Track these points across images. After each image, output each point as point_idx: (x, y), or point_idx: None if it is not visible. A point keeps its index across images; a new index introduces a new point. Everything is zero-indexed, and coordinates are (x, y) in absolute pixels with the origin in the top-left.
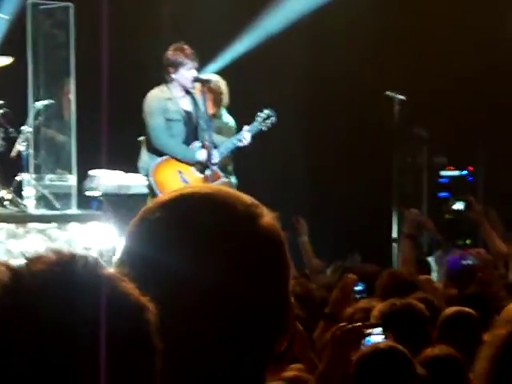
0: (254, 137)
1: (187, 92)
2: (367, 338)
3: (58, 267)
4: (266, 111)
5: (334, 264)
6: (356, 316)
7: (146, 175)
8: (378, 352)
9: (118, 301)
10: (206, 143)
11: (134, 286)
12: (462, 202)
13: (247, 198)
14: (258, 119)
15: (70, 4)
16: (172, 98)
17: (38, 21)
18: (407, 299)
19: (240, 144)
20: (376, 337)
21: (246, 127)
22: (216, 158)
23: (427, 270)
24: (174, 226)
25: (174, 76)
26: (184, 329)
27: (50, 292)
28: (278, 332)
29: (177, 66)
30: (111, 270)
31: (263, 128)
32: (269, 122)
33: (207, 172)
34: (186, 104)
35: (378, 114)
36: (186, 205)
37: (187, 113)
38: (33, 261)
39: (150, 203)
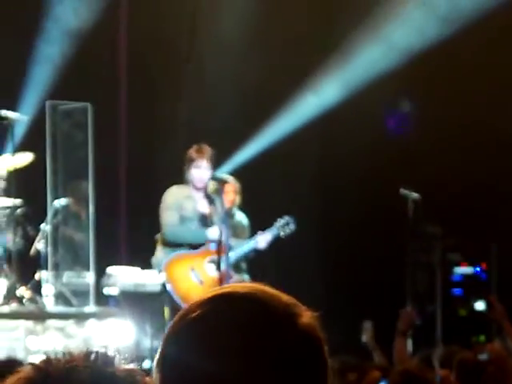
0: (270, 242)
1: (206, 194)
2: None
3: (80, 364)
4: (286, 218)
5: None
6: None
7: (160, 271)
8: None
9: None
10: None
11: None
12: (482, 301)
13: (286, 297)
14: (277, 225)
15: (87, 104)
16: (190, 196)
17: (57, 121)
18: None
19: (255, 247)
20: None
21: (262, 232)
22: (231, 258)
23: (430, 366)
24: (212, 327)
25: (188, 175)
26: None
27: None
28: None
29: (190, 164)
30: (130, 366)
31: (281, 234)
32: (287, 228)
33: (217, 271)
34: (204, 206)
35: (392, 212)
36: (224, 305)
37: (203, 215)
38: (56, 359)
39: (191, 303)
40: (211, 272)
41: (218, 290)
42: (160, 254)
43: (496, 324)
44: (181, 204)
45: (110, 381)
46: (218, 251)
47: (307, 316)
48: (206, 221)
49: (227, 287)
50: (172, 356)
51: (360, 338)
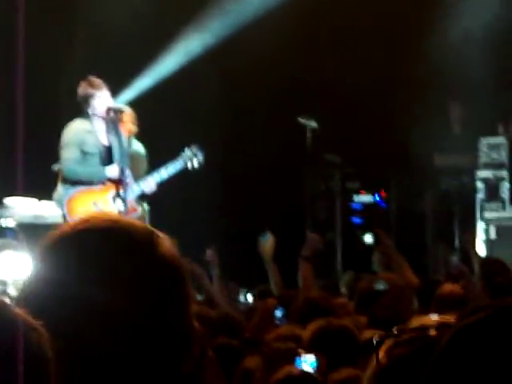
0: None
1: (110, 124)
2: (298, 360)
3: None
4: (194, 148)
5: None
6: (278, 342)
7: (61, 206)
8: (291, 378)
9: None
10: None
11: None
12: (371, 235)
13: (145, 227)
14: (184, 156)
15: None
16: (92, 131)
17: None
18: (342, 321)
19: (158, 180)
20: (307, 358)
21: (167, 166)
22: (134, 192)
23: (336, 293)
24: (74, 257)
25: (89, 110)
26: (84, 345)
27: None
28: (178, 351)
29: (87, 99)
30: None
31: (189, 166)
32: (196, 160)
33: (123, 206)
34: (106, 138)
35: (290, 141)
36: (86, 238)
37: (105, 147)
38: None
39: (54, 233)
40: (115, 206)
41: (79, 224)
42: (60, 189)
43: (385, 257)
44: (82, 139)
45: None
46: (119, 186)
47: (167, 245)
48: (109, 153)
49: (87, 220)
50: (40, 279)
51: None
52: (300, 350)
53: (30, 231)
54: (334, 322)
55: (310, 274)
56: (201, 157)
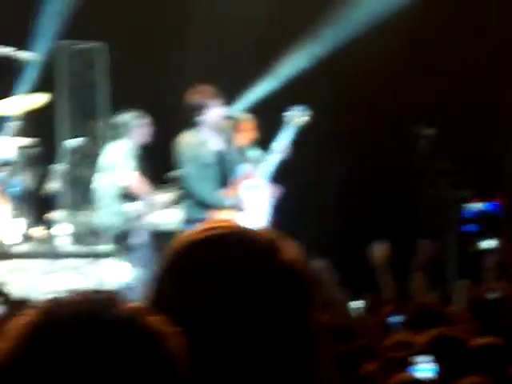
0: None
1: (217, 131)
2: (413, 367)
3: (84, 306)
4: (297, 108)
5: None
6: (393, 349)
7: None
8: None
9: (140, 332)
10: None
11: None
12: (491, 241)
13: (267, 234)
14: (288, 119)
15: (101, 44)
16: (203, 142)
17: (70, 61)
18: (456, 330)
19: (275, 157)
20: (424, 365)
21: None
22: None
23: (448, 300)
24: (198, 264)
25: (201, 119)
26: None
27: (76, 332)
28: (304, 364)
29: (201, 108)
30: (137, 304)
31: (297, 125)
32: (301, 117)
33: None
34: (215, 144)
35: (402, 148)
36: (209, 244)
37: (218, 153)
38: (61, 301)
39: (177, 242)
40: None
41: (201, 232)
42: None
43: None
44: (196, 152)
45: (112, 323)
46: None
47: (289, 251)
48: (223, 160)
49: (211, 228)
50: (162, 291)
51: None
52: (415, 358)
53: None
54: (450, 330)
55: (423, 281)
56: (306, 113)
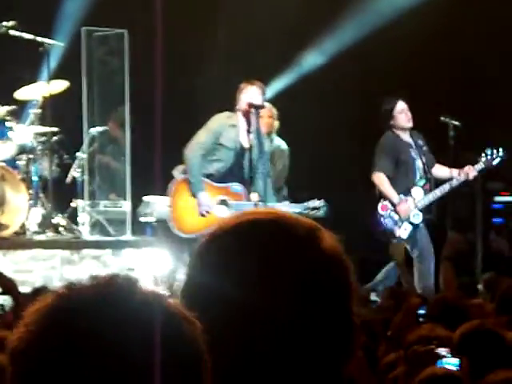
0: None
1: (250, 121)
2: (441, 361)
3: (103, 289)
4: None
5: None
6: (420, 340)
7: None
8: (435, 378)
9: (165, 318)
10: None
11: (184, 307)
12: None
13: (309, 222)
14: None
15: (124, 31)
16: (236, 125)
17: (93, 47)
18: (485, 322)
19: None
20: (450, 360)
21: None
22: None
23: (474, 293)
24: (235, 251)
25: (237, 104)
26: (241, 346)
27: (96, 313)
28: (344, 356)
29: (239, 92)
30: (158, 290)
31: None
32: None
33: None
34: (245, 137)
35: (431, 140)
36: (248, 230)
37: (242, 148)
38: (80, 285)
39: (217, 226)
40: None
41: (242, 217)
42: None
43: None
44: (222, 131)
45: (136, 306)
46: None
47: (330, 239)
48: (243, 156)
49: (250, 213)
50: (196, 280)
51: None
52: (442, 351)
53: (169, 227)
54: (483, 324)
55: (451, 273)
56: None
